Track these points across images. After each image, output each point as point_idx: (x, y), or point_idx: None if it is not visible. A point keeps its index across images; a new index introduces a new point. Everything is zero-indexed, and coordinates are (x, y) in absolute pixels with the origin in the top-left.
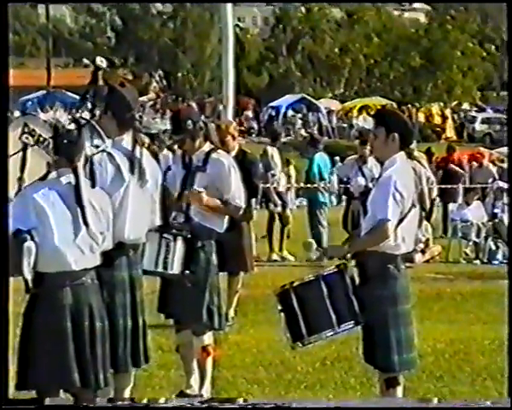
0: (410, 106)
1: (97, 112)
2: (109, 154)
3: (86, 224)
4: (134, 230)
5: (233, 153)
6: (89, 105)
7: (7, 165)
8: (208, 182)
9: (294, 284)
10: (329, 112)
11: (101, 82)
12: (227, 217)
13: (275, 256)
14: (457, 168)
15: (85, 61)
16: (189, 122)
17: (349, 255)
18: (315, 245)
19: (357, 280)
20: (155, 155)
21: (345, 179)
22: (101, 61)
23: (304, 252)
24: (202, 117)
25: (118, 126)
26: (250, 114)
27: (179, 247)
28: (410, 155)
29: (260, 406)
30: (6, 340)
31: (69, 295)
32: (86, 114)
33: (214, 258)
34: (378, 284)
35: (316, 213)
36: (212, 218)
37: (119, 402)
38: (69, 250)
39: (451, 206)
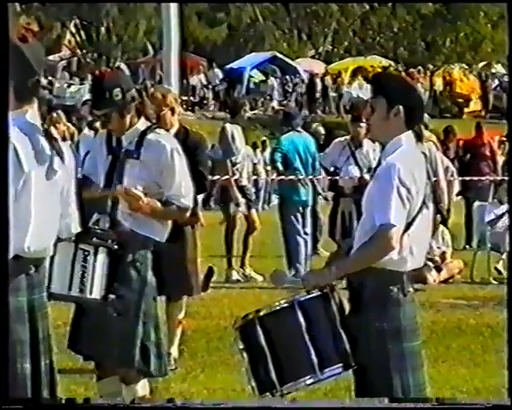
0: (420, 68)
1: None
2: None
3: None
4: (37, 238)
5: (172, 131)
6: None
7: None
8: (143, 173)
9: (261, 314)
10: (311, 76)
11: None
12: (169, 221)
13: (235, 275)
14: (487, 153)
15: None
16: (117, 91)
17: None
18: (287, 275)
19: (347, 307)
20: (71, 136)
21: (331, 169)
22: None
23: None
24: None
25: (16, 96)
26: (202, 78)
27: (102, 262)
28: (420, 136)
29: None
30: (6, 340)
31: None
32: None
33: (151, 277)
34: (376, 313)
35: (289, 216)
36: (149, 222)
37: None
38: None
39: (477, 205)
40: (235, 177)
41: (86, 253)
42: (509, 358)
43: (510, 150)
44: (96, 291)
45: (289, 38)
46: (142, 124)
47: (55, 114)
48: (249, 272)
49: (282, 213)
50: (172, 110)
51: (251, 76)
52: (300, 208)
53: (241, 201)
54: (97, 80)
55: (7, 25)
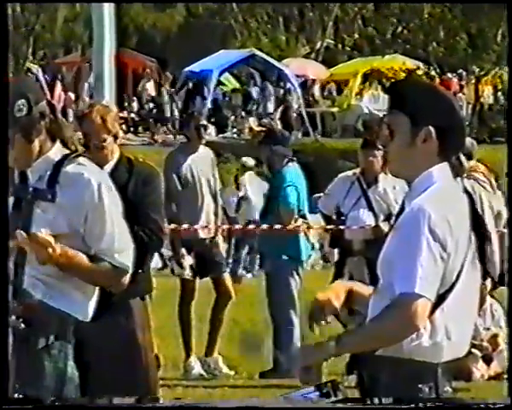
0: (462, 72)
1: None
2: None
3: None
4: None
5: (111, 163)
6: None
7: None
8: (60, 220)
9: None
10: (304, 83)
11: None
12: (97, 290)
13: (197, 368)
14: None
15: None
16: (21, 104)
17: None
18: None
19: None
20: None
21: (334, 216)
22: None
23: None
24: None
25: None
26: (149, 87)
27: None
28: (460, 170)
29: None
30: (6, 339)
31: None
32: None
33: (72, 370)
34: None
35: (279, 282)
36: (68, 292)
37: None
38: None
39: None
40: (196, 225)
41: None
42: (510, 358)
43: (509, 156)
44: None
45: (273, 30)
46: (56, 152)
47: None
48: (218, 364)
49: (272, 279)
50: (115, 136)
51: (219, 83)
52: (300, 271)
53: (187, 259)
54: None
55: (7, 25)
